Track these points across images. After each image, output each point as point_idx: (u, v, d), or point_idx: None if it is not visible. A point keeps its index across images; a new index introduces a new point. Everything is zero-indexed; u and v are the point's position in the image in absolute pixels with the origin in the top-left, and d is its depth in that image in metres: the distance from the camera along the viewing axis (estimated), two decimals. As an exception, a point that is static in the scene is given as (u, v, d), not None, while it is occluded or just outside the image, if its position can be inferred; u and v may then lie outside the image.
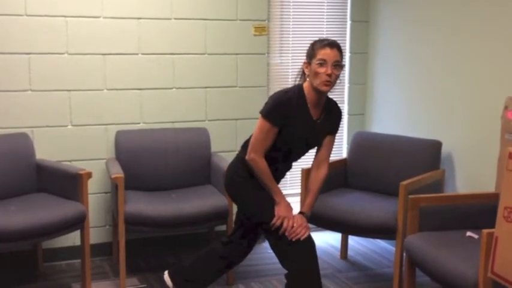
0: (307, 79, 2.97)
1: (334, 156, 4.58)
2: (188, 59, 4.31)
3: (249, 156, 2.98)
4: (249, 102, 4.47)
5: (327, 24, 4.74)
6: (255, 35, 4.45)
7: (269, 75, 4.58)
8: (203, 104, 4.38)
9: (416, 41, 4.29)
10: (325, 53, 2.87)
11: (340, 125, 3.18)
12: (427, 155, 3.93)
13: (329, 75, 2.86)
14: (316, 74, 2.88)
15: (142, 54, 4.20)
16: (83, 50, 4.05)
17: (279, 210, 2.96)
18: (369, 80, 4.82)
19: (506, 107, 3.34)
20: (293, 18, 4.65)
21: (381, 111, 4.70)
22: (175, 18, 4.25)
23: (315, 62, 2.88)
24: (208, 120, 4.41)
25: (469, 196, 3.47)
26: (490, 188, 3.47)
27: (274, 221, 2.93)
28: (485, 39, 3.68)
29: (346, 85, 4.83)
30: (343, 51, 2.96)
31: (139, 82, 4.21)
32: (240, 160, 3.07)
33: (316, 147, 3.15)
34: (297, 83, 3.05)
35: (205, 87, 4.38)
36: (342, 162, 4.26)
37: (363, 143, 4.24)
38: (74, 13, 4.00)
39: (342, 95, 4.82)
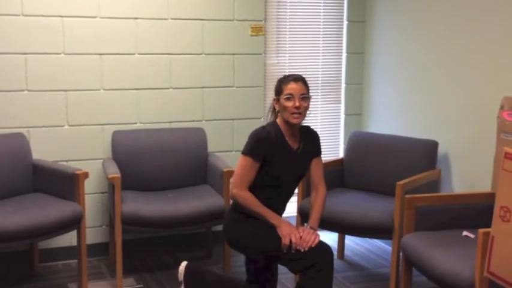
0: (279, 114, 3.07)
1: (330, 156, 4.63)
2: (185, 59, 4.31)
3: (232, 192, 3.03)
4: (245, 102, 4.47)
5: (323, 25, 4.74)
6: (251, 35, 4.45)
7: (266, 75, 4.58)
8: (200, 104, 4.38)
9: (412, 41, 4.29)
10: (291, 87, 3.00)
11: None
12: (424, 154, 3.94)
13: (297, 108, 2.98)
14: (285, 108, 3.00)
15: (139, 54, 4.20)
16: (79, 50, 4.05)
17: (282, 230, 2.95)
18: (366, 80, 4.82)
19: (502, 107, 3.34)
20: (290, 18, 4.65)
21: (378, 111, 4.71)
22: (172, 18, 4.25)
23: (282, 97, 3.01)
24: (205, 120, 4.41)
25: (465, 196, 3.48)
26: (486, 187, 3.48)
27: (283, 241, 2.92)
28: (481, 39, 3.69)
29: (343, 85, 4.84)
30: (308, 83, 3.06)
31: (136, 82, 4.21)
32: (231, 206, 3.12)
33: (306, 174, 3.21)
34: (269, 119, 3.14)
35: (202, 87, 4.38)
36: (338, 162, 4.26)
37: (359, 143, 4.24)
38: (71, 13, 4.00)
39: (338, 95, 4.83)
